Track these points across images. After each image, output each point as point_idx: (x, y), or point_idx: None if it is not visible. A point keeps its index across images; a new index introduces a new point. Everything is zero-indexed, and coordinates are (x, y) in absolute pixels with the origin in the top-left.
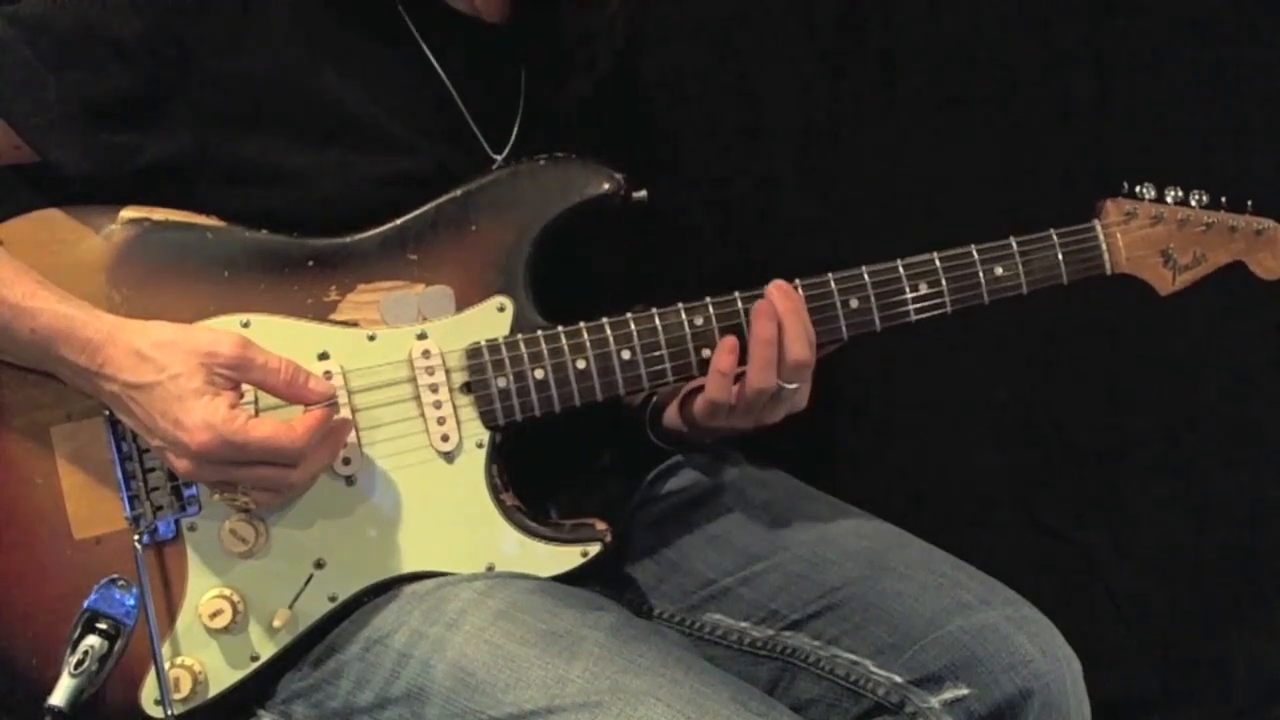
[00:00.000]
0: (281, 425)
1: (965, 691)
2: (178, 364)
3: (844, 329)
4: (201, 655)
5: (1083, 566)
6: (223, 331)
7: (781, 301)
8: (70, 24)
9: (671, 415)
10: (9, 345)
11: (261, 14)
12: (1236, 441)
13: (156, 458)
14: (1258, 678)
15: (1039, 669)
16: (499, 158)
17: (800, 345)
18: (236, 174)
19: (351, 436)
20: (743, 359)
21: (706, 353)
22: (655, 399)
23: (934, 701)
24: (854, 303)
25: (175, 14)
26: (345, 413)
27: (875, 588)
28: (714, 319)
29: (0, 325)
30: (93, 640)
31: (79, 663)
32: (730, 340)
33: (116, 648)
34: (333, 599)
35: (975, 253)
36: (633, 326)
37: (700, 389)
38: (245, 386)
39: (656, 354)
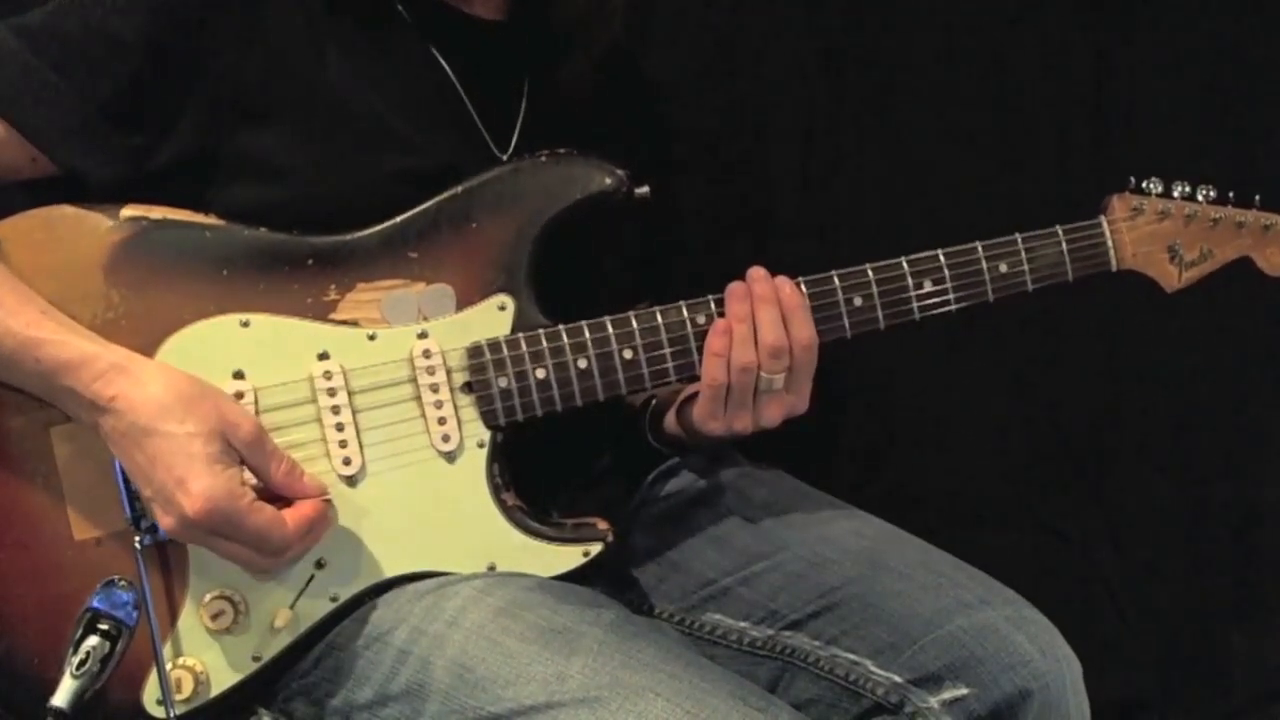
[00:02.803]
0: (278, 517)
1: (964, 691)
2: (197, 424)
3: (848, 327)
4: (203, 655)
5: (1083, 566)
6: (245, 411)
7: (754, 285)
8: (76, 28)
9: (670, 421)
10: (12, 375)
11: (265, 11)
12: (1235, 441)
13: None
14: (1257, 677)
15: (1038, 669)
16: (504, 157)
17: (770, 330)
18: (242, 172)
19: (353, 436)
20: None
21: None
22: (655, 403)
23: (933, 701)
24: (858, 300)
25: (179, 11)
26: (346, 413)
27: (875, 588)
28: (716, 317)
29: (4, 356)
30: (94, 641)
31: (81, 663)
32: (722, 323)
33: (118, 648)
34: (334, 599)
35: (980, 249)
36: (635, 325)
37: (696, 395)
38: None
39: (659, 352)
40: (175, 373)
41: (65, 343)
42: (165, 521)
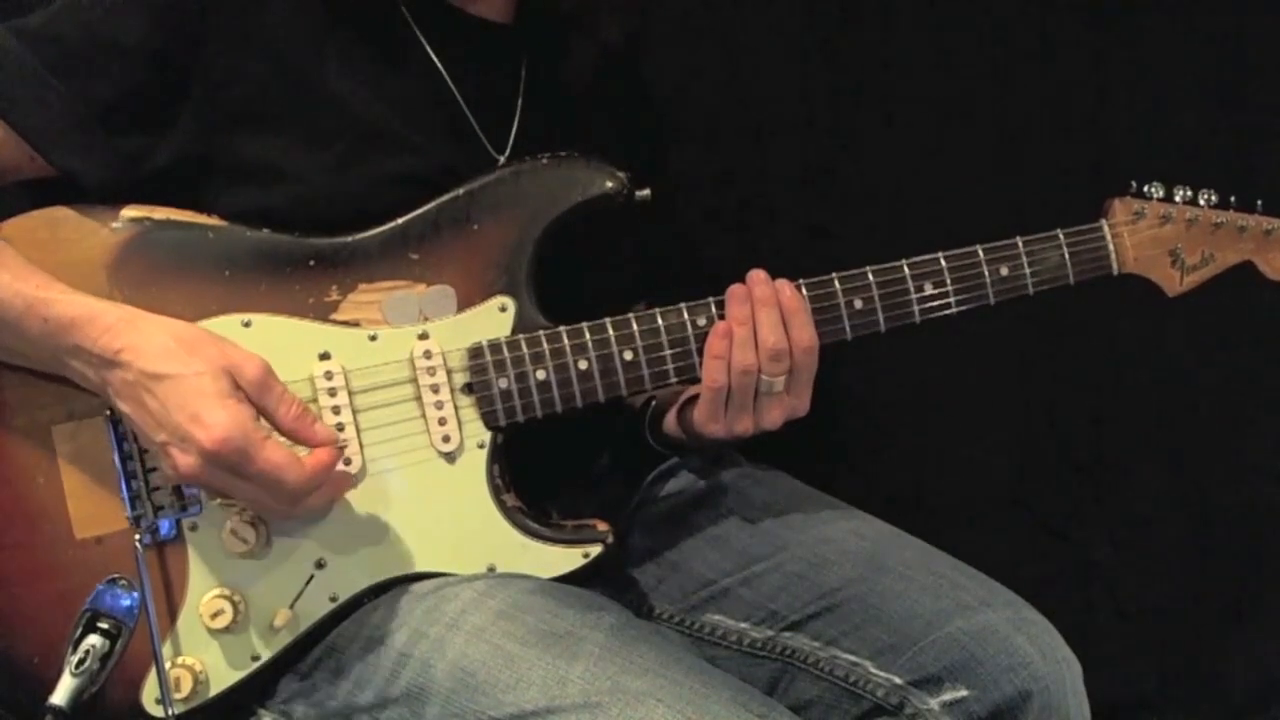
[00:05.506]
0: (293, 459)
1: (964, 693)
2: (203, 364)
3: (848, 329)
4: (202, 655)
5: (1083, 566)
6: (250, 354)
7: (755, 288)
8: (75, 31)
9: (670, 423)
10: (19, 340)
11: (264, 14)
12: (1236, 441)
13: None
14: (1257, 678)
15: (1038, 671)
16: (501, 158)
17: (770, 333)
18: (241, 174)
19: (354, 436)
20: None
21: None
22: (655, 405)
23: (933, 703)
24: (858, 303)
25: (178, 15)
26: (347, 412)
27: (875, 588)
28: (716, 319)
29: (13, 318)
30: (94, 640)
31: (80, 662)
32: (723, 326)
33: (117, 647)
34: (333, 599)
35: (981, 253)
36: (635, 326)
37: (696, 397)
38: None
39: (659, 354)
40: (178, 322)
41: (72, 300)
42: (183, 462)
